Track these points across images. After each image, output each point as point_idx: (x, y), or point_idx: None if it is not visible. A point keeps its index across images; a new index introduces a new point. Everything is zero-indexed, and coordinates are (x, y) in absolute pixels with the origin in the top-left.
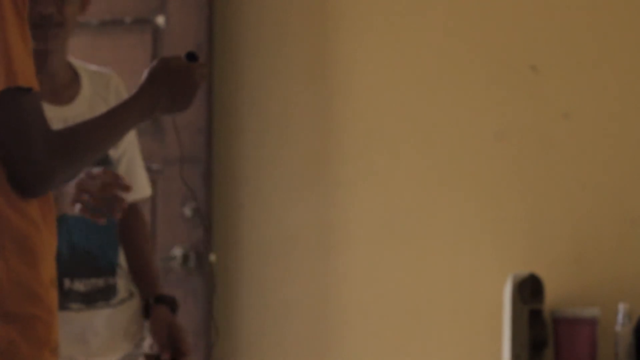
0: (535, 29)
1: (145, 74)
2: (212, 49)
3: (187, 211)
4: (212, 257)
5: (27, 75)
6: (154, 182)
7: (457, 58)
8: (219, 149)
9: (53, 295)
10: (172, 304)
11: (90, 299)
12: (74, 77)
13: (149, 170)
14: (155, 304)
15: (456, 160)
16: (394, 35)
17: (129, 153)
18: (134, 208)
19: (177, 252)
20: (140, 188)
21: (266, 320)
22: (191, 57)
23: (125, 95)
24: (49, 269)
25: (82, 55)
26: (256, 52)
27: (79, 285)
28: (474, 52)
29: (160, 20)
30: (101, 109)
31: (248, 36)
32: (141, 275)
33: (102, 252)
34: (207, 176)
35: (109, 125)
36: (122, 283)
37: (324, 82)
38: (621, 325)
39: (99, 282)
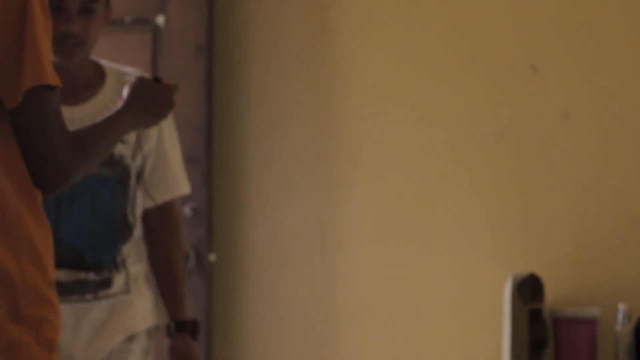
0: (535, 29)
1: (128, 90)
2: (212, 49)
3: (187, 211)
4: (212, 257)
5: (54, 74)
6: None
7: (457, 58)
8: (219, 148)
9: (56, 296)
10: (193, 331)
11: (66, 291)
12: (98, 79)
13: None
14: (176, 332)
15: (456, 160)
16: (394, 35)
17: (154, 154)
18: (163, 211)
19: None
20: (169, 188)
21: (266, 320)
22: (157, 80)
23: None
24: (52, 269)
25: None
26: (256, 51)
27: (59, 275)
28: (474, 51)
29: (160, 20)
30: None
31: (248, 36)
32: (166, 294)
33: (92, 252)
34: (207, 176)
35: (107, 131)
36: (119, 280)
37: (324, 81)
38: (621, 325)
39: (80, 275)
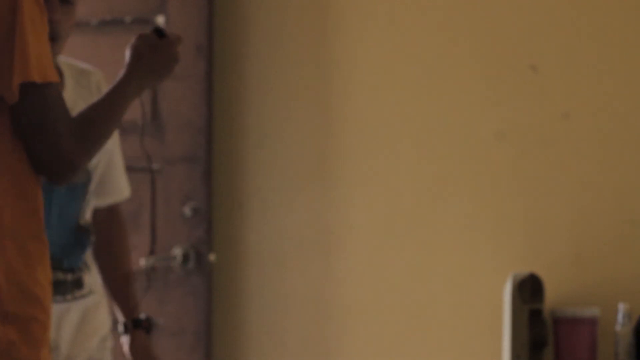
0: (535, 29)
1: (129, 52)
2: (212, 49)
3: (187, 211)
4: (212, 257)
5: (43, 69)
6: (154, 182)
7: (457, 58)
8: (218, 148)
9: (49, 295)
10: (148, 327)
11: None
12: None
13: (149, 170)
14: (133, 329)
15: (456, 160)
16: (394, 34)
17: (105, 157)
18: (112, 212)
19: (177, 252)
20: (118, 190)
21: (266, 320)
22: (159, 32)
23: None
24: (46, 268)
25: (82, 55)
26: (256, 51)
27: None
28: (474, 52)
29: (160, 20)
30: (80, 107)
31: (248, 36)
32: (118, 292)
33: (66, 257)
34: (207, 176)
35: (113, 105)
36: (87, 281)
37: (324, 81)
38: (621, 325)
39: (59, 275)
